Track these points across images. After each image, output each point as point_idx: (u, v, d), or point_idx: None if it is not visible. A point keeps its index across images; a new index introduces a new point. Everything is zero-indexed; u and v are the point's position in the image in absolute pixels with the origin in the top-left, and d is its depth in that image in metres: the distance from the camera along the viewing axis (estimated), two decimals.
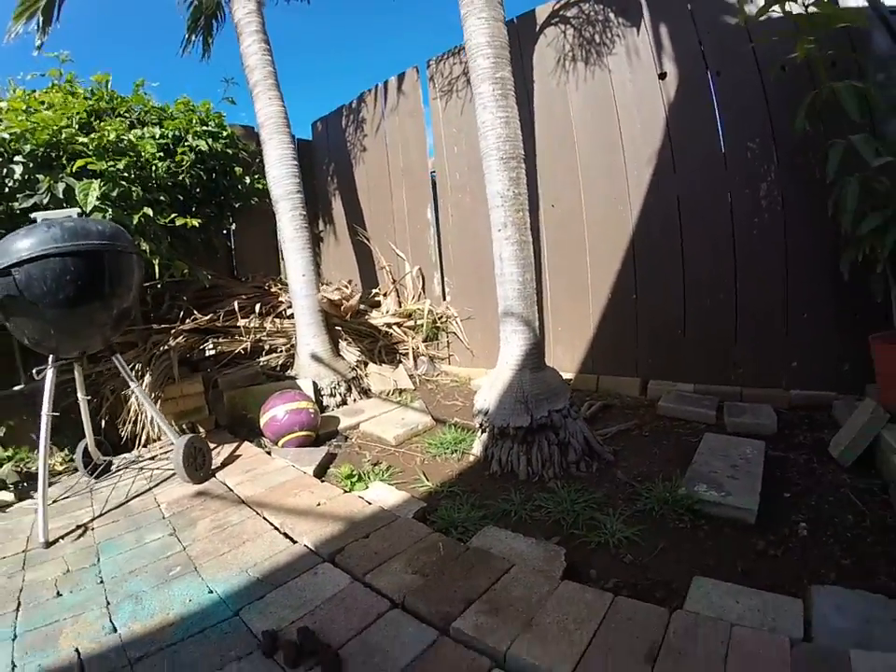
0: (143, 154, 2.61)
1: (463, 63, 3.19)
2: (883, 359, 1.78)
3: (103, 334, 1.93)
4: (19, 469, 2.37)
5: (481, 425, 2.11)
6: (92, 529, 1.77)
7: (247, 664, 1.00)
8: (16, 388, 2.41)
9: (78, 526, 1.79)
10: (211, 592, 1.28)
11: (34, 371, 1.85)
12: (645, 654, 0.94)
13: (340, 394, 2.85)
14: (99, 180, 2.29)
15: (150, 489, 2.05)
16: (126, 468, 2.30)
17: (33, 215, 1.88)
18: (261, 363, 2.97)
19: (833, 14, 1.80)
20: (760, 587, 1.16)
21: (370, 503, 1.67)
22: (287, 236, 2.91)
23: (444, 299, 3.54)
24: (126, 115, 2.94)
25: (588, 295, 2.84)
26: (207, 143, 3.00)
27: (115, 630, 1.18)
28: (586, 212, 2.81)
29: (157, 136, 2.77)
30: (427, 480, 1.95)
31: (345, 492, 1.79)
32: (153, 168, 2.66)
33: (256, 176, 3.45)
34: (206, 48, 4.15)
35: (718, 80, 2.40)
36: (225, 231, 3.77)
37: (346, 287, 3.73)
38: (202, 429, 2.55)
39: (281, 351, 3.06)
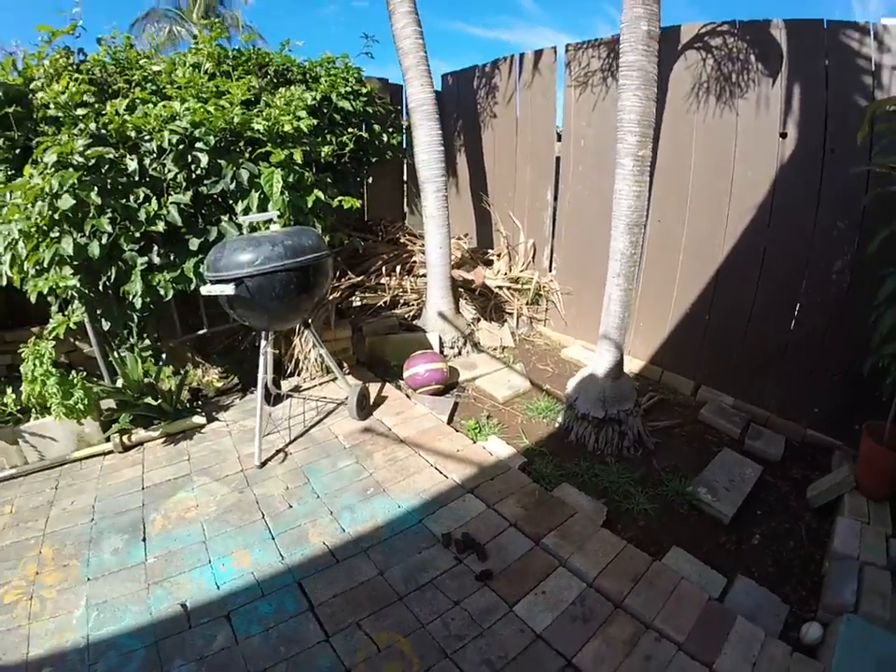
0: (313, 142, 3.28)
1: (601, 59, 3.67)
2: (864, 444, 2.50)
3: (303, 317, 2.78)
4: (189, 388, 3.21)
5: (569, 405, 3.04)
6: (290, 454, 2.72)
7: (434, 551, 2.09)
8: (199, 332, 3.26)
9: (278, 451, 2.73)
10: (399, 507, 2.30)
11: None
12: (631, 578, 1.99)
13: (458, 347, 3.88)
14: (279, 169, 2.86)
15: (322, 420, 3.04)
16: (290, 396, 3.24)
17: (243, 219, 2.73)
18: (398, 314, 3.96)
19: None
20: (710, 565, 2.09)
21: (490, 454, 2.74)
22: (430, 213, 3.76)
23: (550, 271, 4.39)
24: (275, 75, 3.66)
25: (671, 304, 3.64)
26: (351, 104, 3.72)
27: (343, 531, 2.17)
28: (686, 235, 3.47)
29: (308, 101, 3.33)
30: (525, 437, 3.03)
31: (473, 442, 2.86)
32: (320, 153, 3.36)
33: (391, 131, 4.14)
34: None
35: (830, 156, 2.79)
36: (360, 179, 4.40)
37: (462, 239, 4.54)
38: (346, 365, 3.53)
39: (413, 305, 4.08)
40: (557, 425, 3.13)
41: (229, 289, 2.28)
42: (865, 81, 2.65)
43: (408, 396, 3.35)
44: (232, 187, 2.86)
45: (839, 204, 2.79)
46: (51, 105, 2.70)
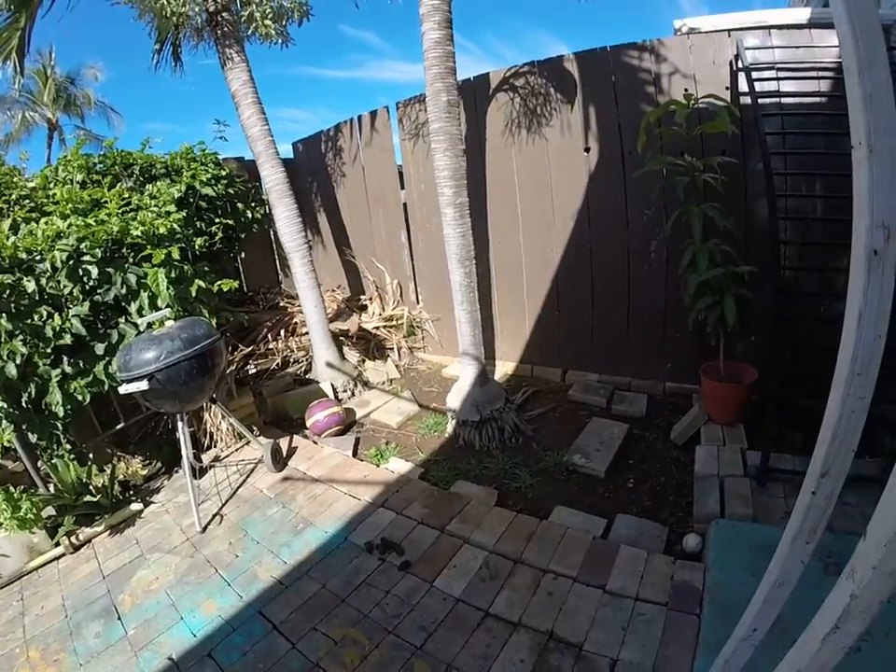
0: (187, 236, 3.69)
1: (428, 112, 4.35)
2: (704, 384, 3.20)
3: (209, 394, 3.17)
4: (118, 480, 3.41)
5: (452, 416, 3.70)
6: (225, 515, 3.06)
7: (362, 558, 2.51)
8: (118, 427, 3.57)
9: (214, 515, 3.05)
10: (326, 532, 2.72)
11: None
12: (524, 538, 2.51)
13: (350, 389, 4.37)
14: (161, 269, 3.23)
15: (246, 480, 3.40)
16: (213, 466, 3.56)
17: (140, 320, 3.07)
18: (290, 372, 4.46)
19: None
20: (592, 513, 2.62)
21: (392, 472, 3.21)
22: (300, 278, 4.23)
23: (418, 303, 5.02)
24: (140, 173, 4.06)
25: (524, 309, 4.35)
26: (214, 189, 4.14)
27: (285, 563, 2.56)
28: (524, 249, 4.20)
29: (174, 195, 3.79)
30: (421, 452, 3.54)
31: (377, 466, 3.34)
32: (194, 245, 3.76)
33: (253, 205, 4.67)
34: (177, 60, 4.67)
35: (629, 158, 3.53)
36: (233, 255, 4.87)
37: (335, 291, 5.15)
38: (254, 428, 3.86)
39: (302, 361, 4.55)
40: (447, 435, 3.65)
41: (143, 385, 2.66)
42: (649, 91, 3.39)
43: (315, 442, 3.72)
44: (123, 291, 3.18)
45: (643, 197, 3.49)
46: None
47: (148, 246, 3.32)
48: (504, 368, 4.53)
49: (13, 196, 3.57)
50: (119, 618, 2.43)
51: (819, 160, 2.83)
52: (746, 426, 3.08)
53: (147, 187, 3.92)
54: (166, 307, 3.21)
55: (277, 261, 5.67)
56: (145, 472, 3.67)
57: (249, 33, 3.97)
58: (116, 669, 2.15)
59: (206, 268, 3.76)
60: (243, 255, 4.91)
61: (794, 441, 2.79)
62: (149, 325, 3.10)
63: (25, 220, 3.21)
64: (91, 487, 3.21)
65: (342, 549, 2.65)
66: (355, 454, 3.61)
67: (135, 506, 3.28)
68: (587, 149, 3.74)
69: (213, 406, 3.65)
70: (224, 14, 3.85)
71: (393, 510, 2.88)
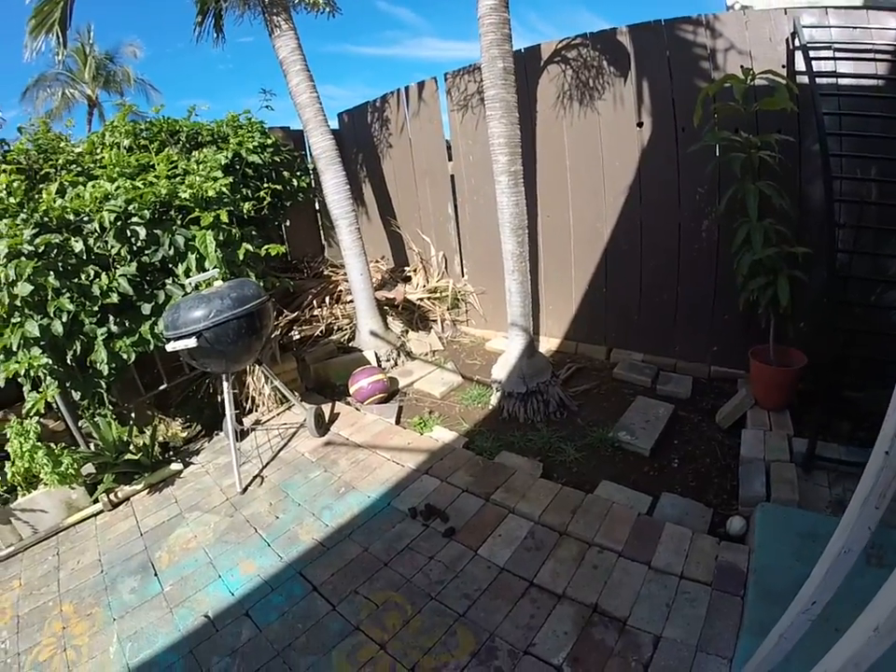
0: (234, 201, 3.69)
1: (477, 83, 4.24)
2: (753, 367, 3.13)
3: (255, 356, 3.18)
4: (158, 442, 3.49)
5: (497, 388, 3.64)
6: (266, 477, 3.08)
7: (405, 524, 2.52)
8: (160, 387, 3.58)
9: (255, 477, 3.08)
10: (369, 497, 2.74)
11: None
12: (570, 510, 2.49)
13: (393, 359, 4.36)
14: (210, 231, 3.25)
15: (287, 444, 3.42)
16: (254, 429, 3.60)
17: (188, 281, 3.08)
18: (334, 340, 4.46)
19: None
20: (637, 490, 2.58)
21: (436, 440, 3.21)
22: (347, 245, 4.23)
23: (463, 276, 4.96)
24: (186, 140, 4.07)
25: (571, 285, 4.27)
26: (260, 157, 4.12)
27: (327, 525, 2.57)
28: (573, 224, 4.11)
29: (221, 161, 3.77)
30: (465, 422, 3.52)
31: (420, 434, 3.33)
32: (242, 210, 3.76)
33: (298, 174, 4.63)
34: (219, 32, 4.69)
35: (682, 135, 3.43)
36: (278, 223, 4.86)
37: (379, 261, 5.11)
38: (297, 393, 3.88)
39: (346, 329, 4.55)
40: (491, 407, 3.63)
41: (192, 342, 2.68)
42: (703, 66, 3.27)
43: (357, 409, 3.75)
44: (171, 252, 3.20)
45: (696, 174, 3.39)
46: None
47: (196, 209, 3.33)
48: (548, 344, 4.44)
49: (60, 161, 3.59)
50: (156, 574, 2.45)
51: (876, 143, 2.73)
52: (792, 412, 3.00)
53: (193, 153, 3.92)
54: (213, 269, 3.23)
55: (322, 231, 5.70)
56: (184, 435, 3.74)
57: (297, 1, 3.95)
58: (150, 625, 2.17)
59: (254, 232, 3.76)
60: (288, 223, 4.92)
61: (841, 430, 2.73)
62: (196, 286, 3.13)
63: (72, 184, 3.21)
64: (131, 447, 3.25)
65: (385, 513, 2.65)
66: (398, 421, 3.61)
67: (175, 466, 3.33)
68: (640, 124, 3.64)
69: (256, 369, 3.70)
70: None
71: (437, 477, 2.87)
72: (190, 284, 3.10)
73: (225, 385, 3.11)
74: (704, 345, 3.77)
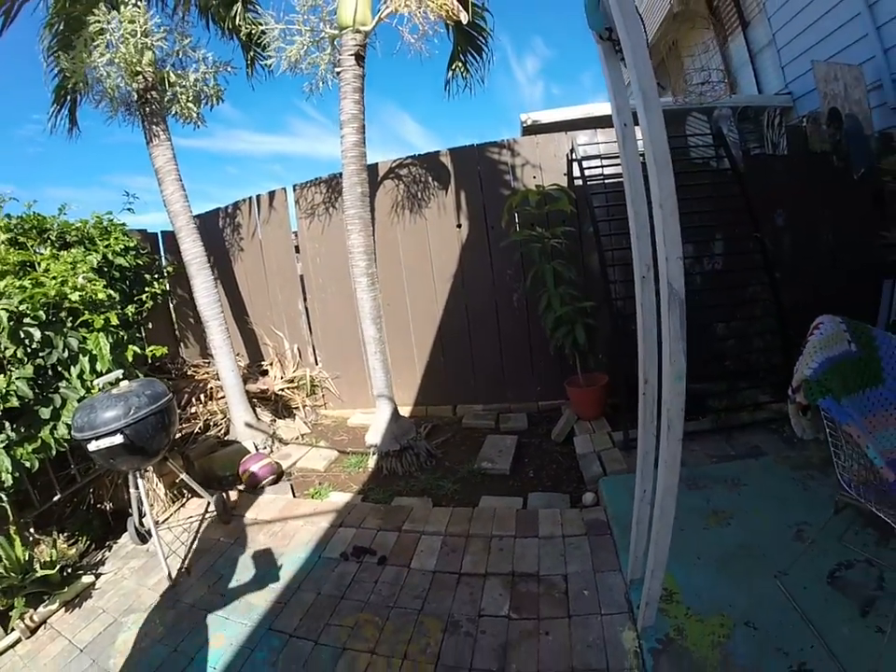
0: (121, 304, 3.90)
1: (322, 194, 5.10)
2: (570, 392, 4.28)
3: (164, 451, 3.27)
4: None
5: (373, 451, 4.35)
6: (191, 567, 3.17)
7: (342, 566, 2.88)
8: (55, 498, 3.46)
9: (179, 569, 3.13)
10: (300, 556, 2.97)
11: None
12: (468, 520, 3.18)
13: (269, 446, 4.73)
14: (101, 333, 3.39)
15: (196, 536, 3.48)
16: (155, 527, 3.45)
17: (97, 382, 3.12)
18: (211, 435, 4.72)
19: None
20: (510, 496, 3.48)
21: (337, 503, 3.67)
22: (217, 344, 4.57)
23: (317, 364, 5.56)
24: (55, 239, 4.18)
25: (415, 360, 5.15)
26: (126, 260, 4.39)
27: (274, 588, 2.81)
28: (410, 309, 5.03)
29: (93, 264, 3.96)
30: (354, 485, 4.03)
31: (321, 501, 3.77)
32: (126, 313, 3.97)
33: (157, 277, 4.94)
34: (73, 123, 4.96)
35: (492, 232, 4.65)
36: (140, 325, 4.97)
37: (237, 358, 5.51)
38: (185, 490, 4.04)
39: (221, 424, 4.82)
40: (371, 468, 4.20)
41: (118, 439, 2.78)
42: (506, 178, 4.52)
43: (250, 494, 4.07)
44: (65, 355, 3.23)
45: (505, 260, 4.59)
46: None
47: (86, 312, 3.45)
48: (403, 411, 5.20)
49: None
50: None
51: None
52: (607, 418, 4.18)
53: (61, 253, 3.94)
54: (107, 371, 3.31)
55: (177, 332, 5.84)
56: (72, 551, 3.51)
57: (173, 112, 4.38)
58: None
59: (137, 335, 3.98)
60: (150, 325, 5.07)
61: None
62: (101, 387, 3.20)
63: None
64: (36, 565, 3.09)
65: (321, 564, 3.01)
66: (294, 496, 4.00)
67: (87, 578, 3.20)
68: (459, 225, 4.80)
69: (150, 471, 3.79)
70: (153, 93, 4.24)
71: (351, 526, 3.35)
72: (99, 384, 3.16)
73: (139, 481, 3.19)
74: (530, 388, 4.88)
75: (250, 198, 5.54)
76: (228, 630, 2.60)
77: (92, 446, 2.83)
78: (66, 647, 2.72)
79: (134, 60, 4.01)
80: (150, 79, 4.23)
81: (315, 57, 4.21)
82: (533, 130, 5.95)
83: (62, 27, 4.37)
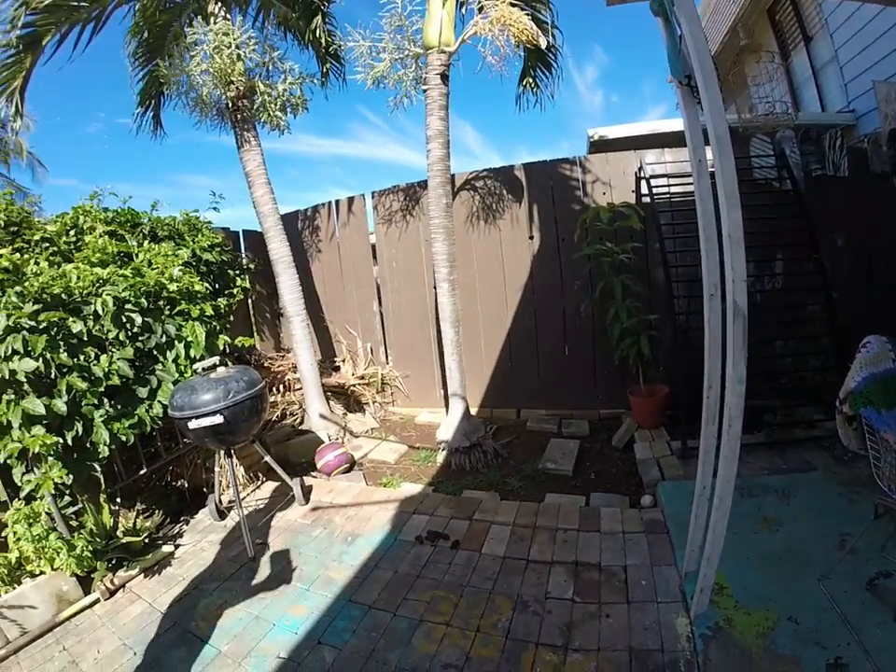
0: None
1: (400, 202, 5.51)
2: (633, 401, 4.55)
3: (253, 434, 3.55)
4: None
5: (443, 447, 4.53)
6: (268, 543, 3.44)
7: (417, 549, 3.20)
8: (141, 472, 3.78)
9: (259, 545, 3.39)
10: (376, 538, 3.32)
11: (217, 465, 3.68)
12: (534, 514, 3.49)
13: (340, 438, 5.05)
14: (197, 323, 3.72)
15: (273, 515, 3.80)
16: (230, 508, 3.90)
17: (196, 366, 3.46)
18: (287, 423, 5.01)
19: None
20: (572, 495, 3.77)
21: (409, 492, 4.02)
22: (298, 339, 5.01)
23: (388, 363, 5.90)
24: (147, 233, 4.57)
25: (482, 363, 5.47)
26: (212, 255, 4.81)
27: (352, 566, 3.06)
28: (481, 315, 5.37)
29: (184, 257, 4.29)
30: (423, 477, 4.39)
31: (394, 489, 4.10)
32: (219, 305, 4.29)
33: (238, 273, 5.29)
34: (158, 124, 5.40)
35: (562, 244, 4.95)
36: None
37: None
38: (260, 474, 4.43)
39: (297, 414, 5.14)
40: (440, 463, 4.54)
41: (218, 419, 3.06)
42: (576, 194, 4.82)
43: (325, 480, 4.40)
44: (162, 340, 3.57)
45: (574, 272, 4.86)
46: None
47: (183, 302, 3.80)
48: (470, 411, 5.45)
49: (35, 237, 3.82)
50: (204, 641, 2.60)
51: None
52: (666, 427, 4.37)
53: (153, 246, 4.33)
54: (200, 357, 3.64)
55: (254, 326, 6.24)
56: (148, 524, 3.75)
57: (262, 120, 4.74)
58: None
59: (227, 325, 4.31)
60: (231, 318, 5.42)
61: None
62: (196, 371, 3.51)
63: (50, 264, 3.42)
64: (118, 532, 3.36)
65: (396, 545, 3.29)
66: (366, 485, 4.27)
67: (167, 548, 3.48)
68: (531, 237, 5.10)
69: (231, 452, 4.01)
70: (244, 101, 4.66)
71: (424, 514, 3.68)
72: (199, 368, 3.47)
73: (228, 460, 3.45)
74: (592, 395, 5.11)
75: (329, 202, 6.01)
76: (308, 601, 2.82)
77: (193, 424, 3.11)
78: (146, 609, 2.94)
79: (228, 70, 4.44)
80: (241, 88, 4.62)
81: (399, 74, 4.57)
82: (599, 145, 6.20)
83: (146, 35, 4.87)
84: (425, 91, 4.33)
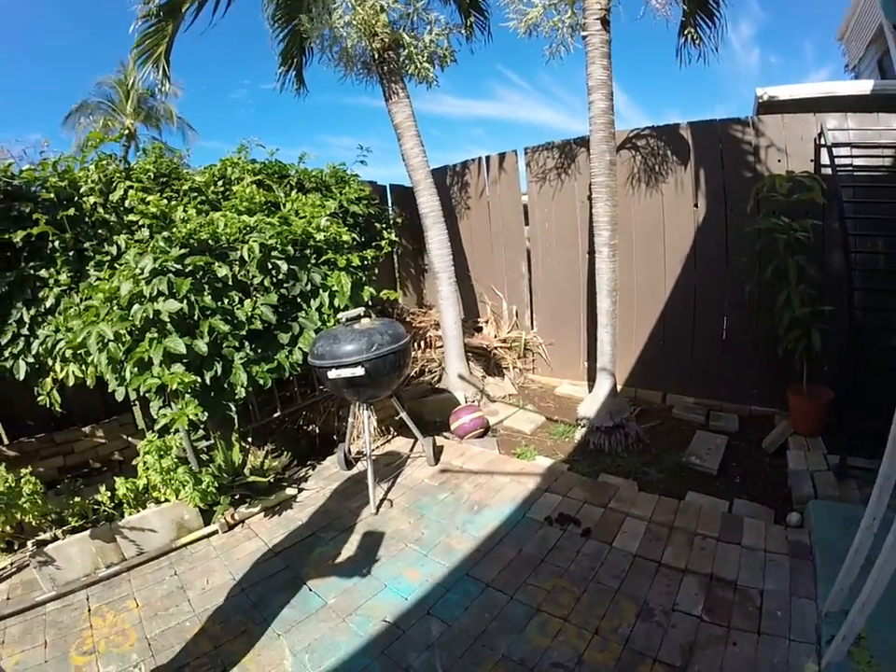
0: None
1: (555, 159, 5.29)
2: (792, 401, 4.13)
3: (392, 388, 3.58)
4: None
5: (582, 423, 4.28)
6: (393, 500, 3.46)
7: (545, 530, 3.10)
8: (275, 415, 3.92)
9: (382, 500, 3.45)
10: (504, 511, 3.26)
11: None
12: (673, 512, 3.35)
13: (477, 401, 5.06)
14: (344, 272, 3.76)
15: (400, 472, 3.87)
16: (358, 459, 4.01)
17: (341, 315, 3.46)
18: (425, 381, 5.07)
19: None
20: (715, 497, 3.51)
21: (543, 466, 3.96)
22: (444, 295, 5.10)
23: (532, 328, 5.79)
24: (294, 184, 4.73)
25: (633, 339, 5.20)
26: (360, 208, 4.93)
27: (474, 536, 3.03)
28: (636, 286, 5.06)
29: (332, 208, 4.35)
30: (559, 453, 4.34)
31: (527, 461, 4.05)
32: (366, 256, 4.22)
33: (384, 225, 5.34)
34: (300, 82, 5.44)
35: (731, 215, 4.46)
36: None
37: None
38: (392, 429, 4.52)
39: (434, 371, 5.20)
40: (577, 441, 4.47)
41: (359, 371, 3.11)
42: (748, 159, 4.30)
43: (457, 442, 4.45)
44: (307, 288, 3.63)
45: (741, 247, 4.36)
46: (99, 209, 3.28)
47: (329, 251, 3.86)
48: None
49: (184, 187, 4.00)
50: (311, 590, 2.65)
51: (882, 223, 3.69)
52: (823, 438, 3.88)
53: (300, 197, 4.43)
54: (344, 308, 3.66)
55: (398, 281, 6.45)
56: (275, 464, 3.86)
57: (409, 72, 4.71)
58: (324, 635, 2.36)
59: (374, 277, 4.39)
60: (376, 271, 5.57)
61: (864, 446, 3.31)
62: (339, 321, 3.51)
63: (198, 211, 3.56)
64: (245, 470, 3.51)
65: (524, 523, 3.19)
66: (500, 453, 4.25)
67: (290, 490, 3.59)
68: (696, 205, 4.63)
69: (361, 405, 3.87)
70: (390, 52, 4.64)
71: (557, 493, 3.58)
72: (343, 318, 3.46)
73: (366, 413, 3.55)
74: (746, 389, 4.69)
75: (479, 158, 5.91)
76: (425, 567, 2.81)
77: (332, 374, 3.16)
78: (261, 547, 3.06)
79: (371, 21, 4.39)
80: (387, 40, 4.56)
81: (555, 20, 4.25)
82: (767, 106, 5.46)
83: None
84: (584, 37, 4.03)
